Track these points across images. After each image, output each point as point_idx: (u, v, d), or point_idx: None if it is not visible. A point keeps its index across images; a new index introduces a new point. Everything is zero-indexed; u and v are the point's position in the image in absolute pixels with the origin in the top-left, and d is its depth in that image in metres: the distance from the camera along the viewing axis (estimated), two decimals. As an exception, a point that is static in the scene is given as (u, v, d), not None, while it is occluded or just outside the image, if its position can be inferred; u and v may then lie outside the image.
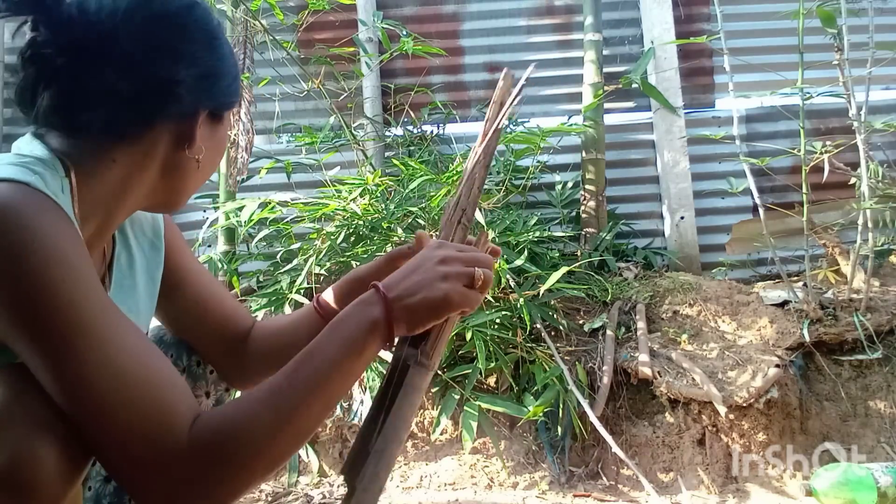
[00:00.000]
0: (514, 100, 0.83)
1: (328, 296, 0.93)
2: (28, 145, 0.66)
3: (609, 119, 2.99)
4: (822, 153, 2.07)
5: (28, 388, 0.57)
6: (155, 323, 0.94)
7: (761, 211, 2.14)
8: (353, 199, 2.18)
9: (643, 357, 2.03)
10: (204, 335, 0.92)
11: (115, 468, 0.58)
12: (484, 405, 1.92)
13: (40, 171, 0.61)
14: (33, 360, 0.56)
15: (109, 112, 0.66)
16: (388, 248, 2.18)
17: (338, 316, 0.67)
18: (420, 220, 2.26)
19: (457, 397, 1.96)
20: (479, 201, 0.82)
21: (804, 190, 2.07)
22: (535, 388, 1.97)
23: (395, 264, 0.87)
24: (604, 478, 1.90)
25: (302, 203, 2.25)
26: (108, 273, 0.81)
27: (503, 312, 2.04)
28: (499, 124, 0.83)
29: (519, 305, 2.01)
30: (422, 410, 2.07)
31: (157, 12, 0.67)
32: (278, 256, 2.38)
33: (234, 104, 0.79)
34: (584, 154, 2.83)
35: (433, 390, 2.04)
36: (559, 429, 1.93)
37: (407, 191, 2.20)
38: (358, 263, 2.12)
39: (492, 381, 2.09)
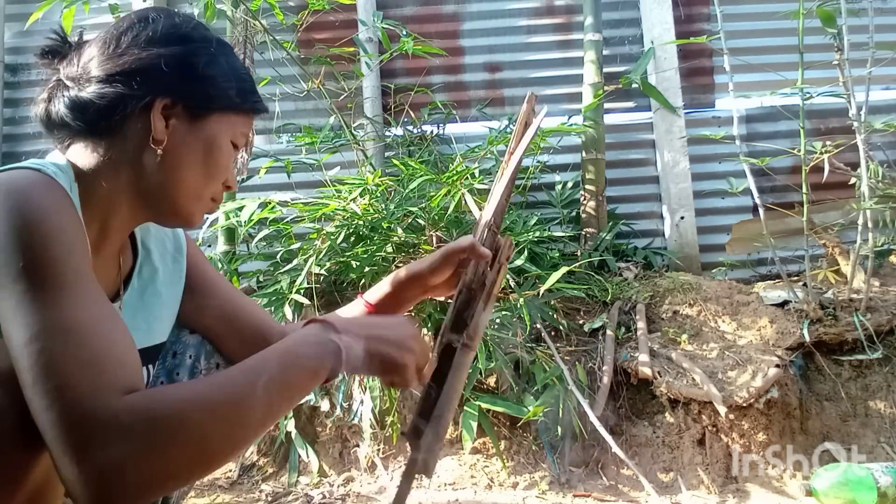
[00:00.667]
0: (536, 128, 0.95)
1: (378, 291, 0.96)
2: (48, 155, 0.77)
3: (609, 119, 2.98)
4: (822, 153, 2.07)
5: None
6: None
7: (761, 211, 2.14)
8: (353, 199, 2.18)
9: (643, 357, 2.03)
10: (235, 346, 0.95)
11: (48, 430, 0.56)
12: (484, 405, 1.92)
13: (54, 170, 0.70)
14: (4, 304, 0.60)
15: (74, 107, 0.74)
16: (388, 249, 2.18)
17: (307, 333, 0.70)
18: (420, 220, 2.26)
19: (457, 397, 1.96)
20: (505, 210, 0.95)
21: (804, 190, 2.07)
22: (535, 388, 1.97)
23: (451, 259, 0.92)
24: (604, 478, 1.90)
25: (302, 203, 2.24)
26: (126, 282, 0.86)
27: (503, 312, 2.04)
28: (526, 146, 0.94)
29: (519, 305, 2.01)
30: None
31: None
32: (278, 256, 2.38)
33: (210, 101, 0.79)
34: (584, 154, 2.83)
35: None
36: (559, 429, 1.93)
37: (407, 191, 2.20)
38: (358, 263, 2.12)
39: (492, 381, 2.09)
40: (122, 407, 0.56)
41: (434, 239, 2.26)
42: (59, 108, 0.76)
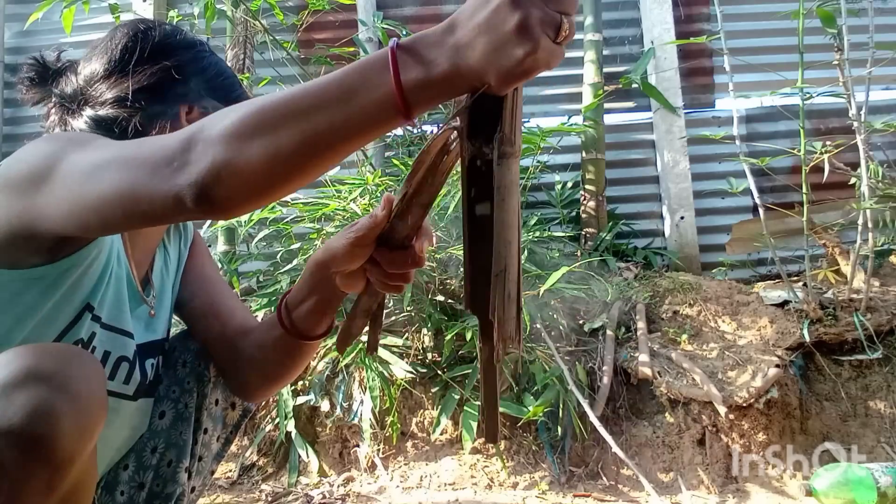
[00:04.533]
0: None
1: (296, 296, 0.85)
2: None
3: (609, 119, 2.98)
4: (822, 153, 2.07)
5: (47, 350, 0.61)
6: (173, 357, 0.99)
7: (761, 211, 2.14)
8: (353, 199, 2.17)
9: (643, 357, 2.03)
10: (213, 341, 0.95)
11: (140, 195, 0.58)
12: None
13: None
14: (53, 192, 0.62)
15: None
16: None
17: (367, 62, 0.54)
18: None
19: (457, 397, 1.96)
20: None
21: (804, 190, 2.07)
22: (535, 388, 1.97)
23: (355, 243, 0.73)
24: (604, 478, 1.90)
25: (302, 203, 2.25)
26: (151, 271, 0.92)
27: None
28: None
29: (519, 305, 2.01)
30: (421, 410, 2.07)
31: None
32: (278, 256, 2.38)
33: (216, 98, 0.87)
34: (584, 154, 2.83)
35: (433, 390, 2.04)
36: (559, 429, 1.93)
37: (407, 191, 2.20)
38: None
39: (492, 381, 2.08)
40: (185, 133, 0.57)
41: (434, 239, 2.26)
42: (81, 126, 0.80)
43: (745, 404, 1.87)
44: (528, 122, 2.87)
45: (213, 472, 0.99)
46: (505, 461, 1.93)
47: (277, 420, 2.03)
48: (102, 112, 0.79)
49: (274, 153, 0.54)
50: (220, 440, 0.98)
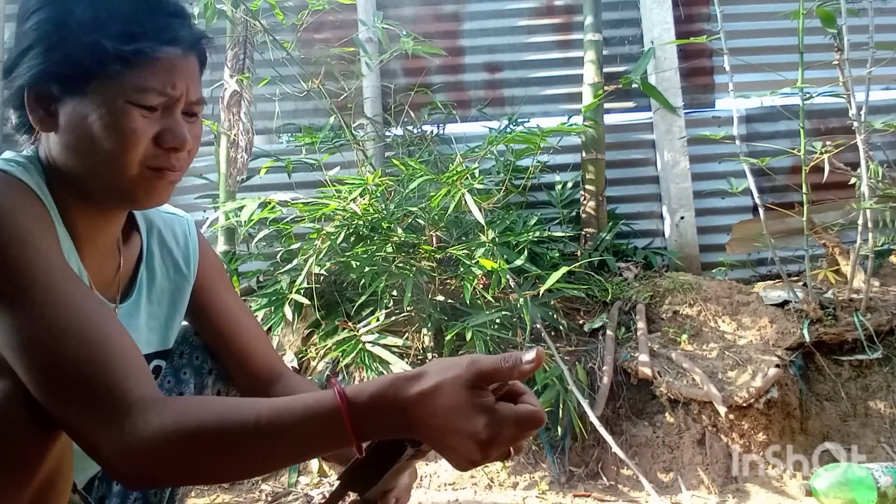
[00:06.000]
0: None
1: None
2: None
3: (609, 119, 2.98)
4: (822, 153, 2.07)
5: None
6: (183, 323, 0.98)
7: (761, 211, 2.14)
8: (353, 199, 2.17)
9: (643, 357, 2.03)
10: (230, 367, 0.94)
11: (62, 422, 0.59)
12: (484, 405, 1.91)
13: (22, 164, 0.71)
14: None
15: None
16: (388, 249, 2.18)
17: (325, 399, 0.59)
18: (420, 220, 2.26)
19: (457, 397, 1.95)
20: None
21: (804, 190, 2.07)
22: (535, 388, 1.97)
23: None
24: (604, 478, 1.90)
25: (302, 203, 2.24)
26: (133, 278, 0.86)
27: (503, 312, 2.04)
28: None
29: (519, 305, 2.01)
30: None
31: None
32: (278, 256, 2.38)
33: (71, 72, 0.68)
34: (584, 154, 2.83)
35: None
36: (559, 429, 1.93)
37: (407, 191, 2.20)
38: (358, 263, 2.12)
39: (492, 381, 2.08)
40: (135, 419, 0.57)
41: (434, 239, 2.26)
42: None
43: (745, 404, 1.87)
44: (527, 121, 2.87)
45: None
46: (505, 461, 1.93)
47: (277, 420, 2.03)
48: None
49: (205, 477, 0.62)
50: None
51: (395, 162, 2.39)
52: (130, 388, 0.58)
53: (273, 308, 2.12)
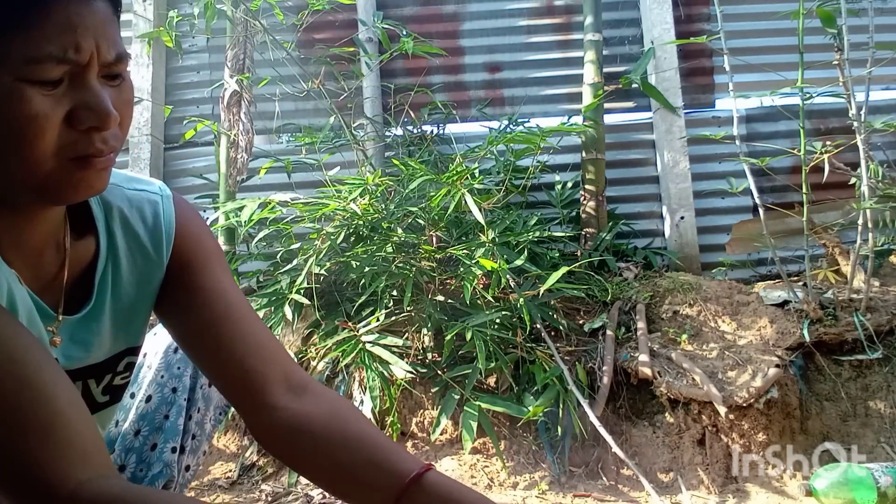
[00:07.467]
0: None
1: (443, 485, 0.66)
2: None
3: (609, 119, 2.98)
4: (822, 153, 2.07)
5: None
6: (168, 340, 0.95)
7: (761, 211, 2.14)
8: (353, 199, 2.18)
9: (643, 357, 2.03)
10: (230, 378, 0.75)
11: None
12: (484, 405, 1.92)
13: None
14: None
15: None
16: (388, 249, 2.18)
17: None
18: (420, 220, 2.26)
19: (457, 397, 1.96)
20: None
21: (804, 190, 2.07)
22: (535, 388, 1.97)
23: None
24: (604, 478, 1.90)
25: (302, 203, 2.25)
26: (91, 275, 0.73)
27: (503, 312, 2.04)
28: None
29: (519, 305, 2.01)
30: (421, 410, 2.07)
31: None
32: (278, 256, 2.38)
33: None
34: (584, 154, 2.83)
35: (433, 390, 2.04)
36: (559, 429, 1.93)
37: (407, 191, 2.20)
38: (358, 263, 2.12)
39: (492, 381, 2.09)
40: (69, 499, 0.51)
41: (434, 239, 2.26)
42: None
43: (745, 404, 1.87)
44: (527, 121, 2.87)
45: (205, 453, 1.00)
46: (505, 461, 1.93)
47: (277, 420, 2.03)
48: None
49: None
50: (212, 421, 0.99)
51: (395, 162, 2.39)
52: (70, 473, 0.50)
53: (273, 308, 2.12)
